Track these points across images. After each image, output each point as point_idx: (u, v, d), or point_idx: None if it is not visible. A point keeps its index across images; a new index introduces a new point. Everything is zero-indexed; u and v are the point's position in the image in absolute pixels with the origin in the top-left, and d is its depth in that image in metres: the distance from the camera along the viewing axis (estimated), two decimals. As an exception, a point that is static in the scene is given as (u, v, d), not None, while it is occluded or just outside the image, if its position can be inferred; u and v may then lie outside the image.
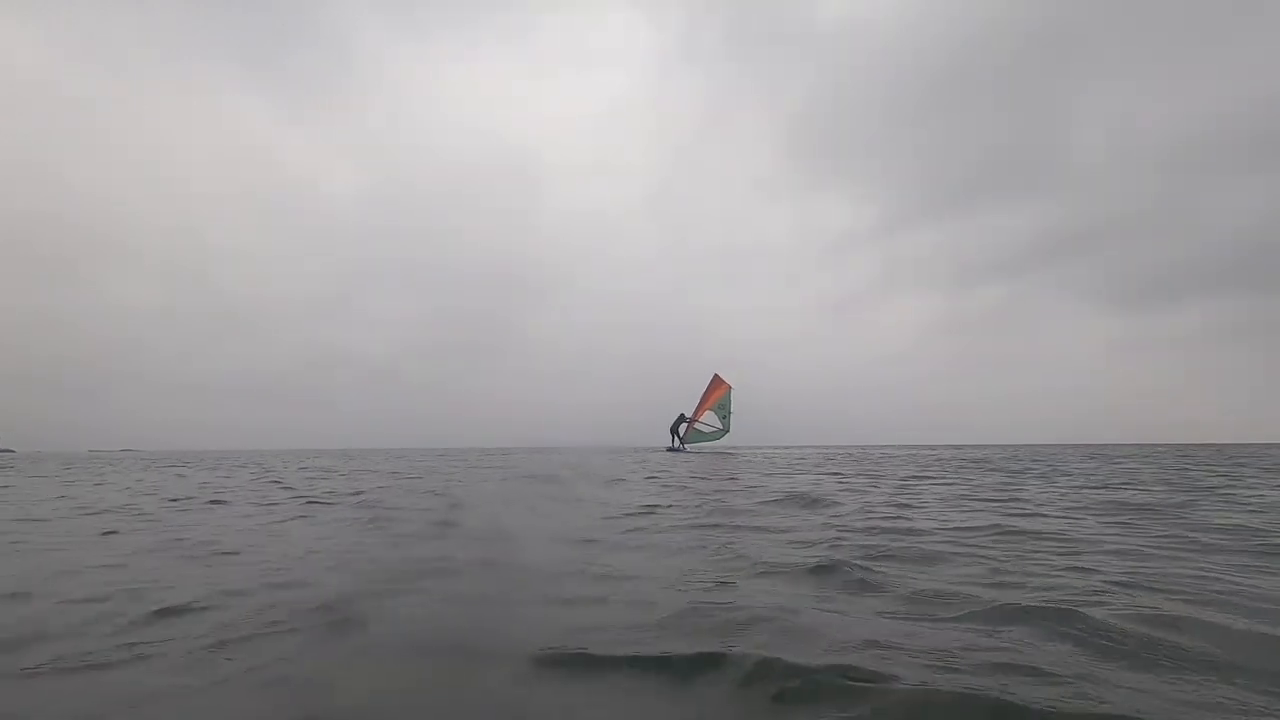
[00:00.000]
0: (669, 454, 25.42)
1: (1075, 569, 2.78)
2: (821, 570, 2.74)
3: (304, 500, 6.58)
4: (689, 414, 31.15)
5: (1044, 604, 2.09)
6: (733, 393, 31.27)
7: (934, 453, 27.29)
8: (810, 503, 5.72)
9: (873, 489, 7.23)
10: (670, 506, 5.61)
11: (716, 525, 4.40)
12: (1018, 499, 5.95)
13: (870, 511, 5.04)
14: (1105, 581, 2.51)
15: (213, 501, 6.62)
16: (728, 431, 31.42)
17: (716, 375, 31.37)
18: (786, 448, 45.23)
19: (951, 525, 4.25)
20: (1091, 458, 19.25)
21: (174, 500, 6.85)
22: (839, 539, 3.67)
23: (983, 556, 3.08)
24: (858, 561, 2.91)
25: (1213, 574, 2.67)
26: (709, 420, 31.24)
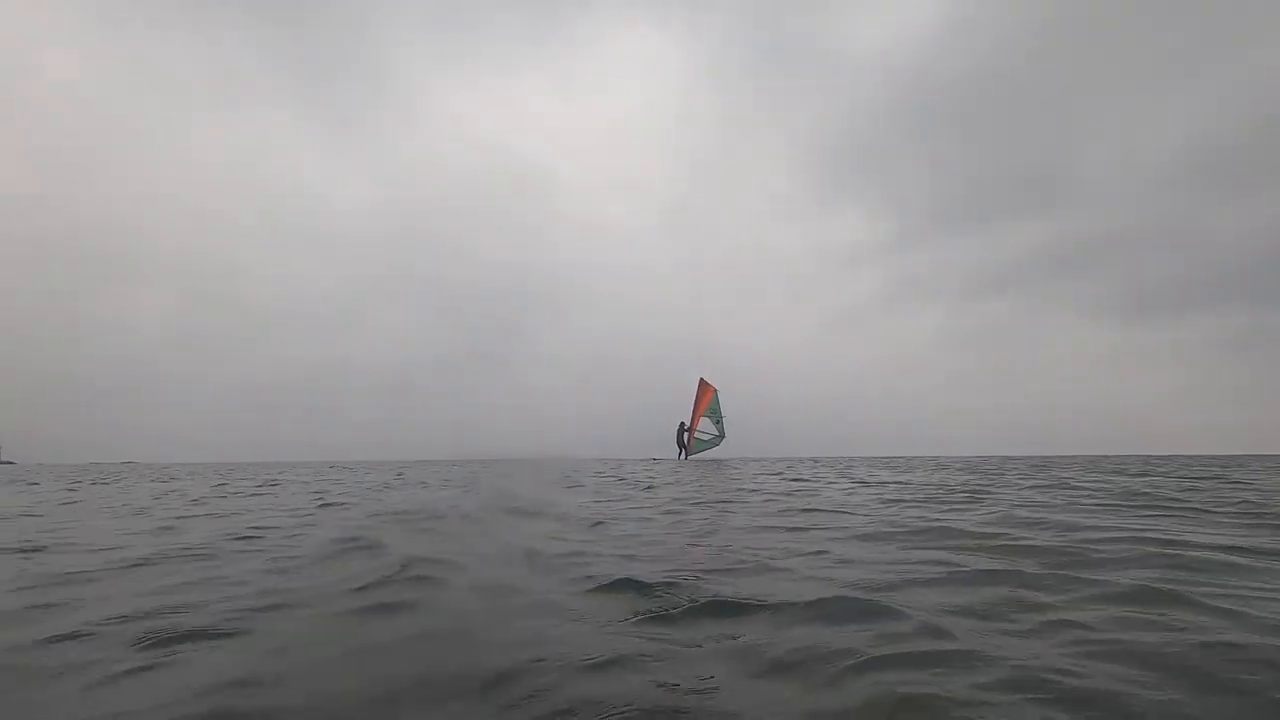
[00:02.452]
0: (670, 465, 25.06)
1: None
2: None
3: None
4: (687, 422, 30.90)
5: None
6: (720, 396, 31.02)
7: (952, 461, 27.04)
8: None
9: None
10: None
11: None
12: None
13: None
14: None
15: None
16: (724, 437, 31.13)
17: (702, 379, 31.08)
18: (789, 459, 44.87)
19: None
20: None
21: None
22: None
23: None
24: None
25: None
26: (705, 428, 30.96)
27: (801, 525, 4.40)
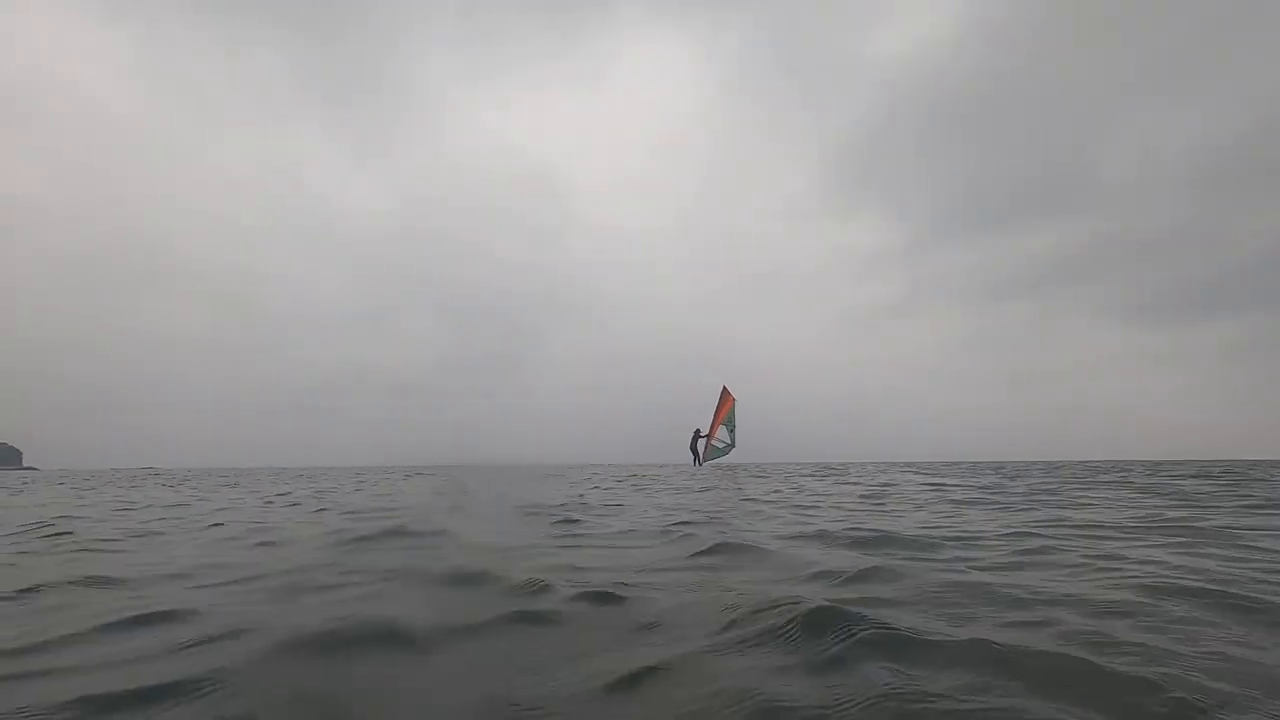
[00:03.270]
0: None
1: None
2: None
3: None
4: (704, 429, 31.02)
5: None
6: (737, 406, 31.22)
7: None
8: None
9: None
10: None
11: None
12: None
13: None
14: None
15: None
16: (734, 446, 31.32)
17: (725, 388, 31.22)
18: (806, 464, 44.83)
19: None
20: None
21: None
22: None
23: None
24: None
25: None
26: (720, 435, 31.11)
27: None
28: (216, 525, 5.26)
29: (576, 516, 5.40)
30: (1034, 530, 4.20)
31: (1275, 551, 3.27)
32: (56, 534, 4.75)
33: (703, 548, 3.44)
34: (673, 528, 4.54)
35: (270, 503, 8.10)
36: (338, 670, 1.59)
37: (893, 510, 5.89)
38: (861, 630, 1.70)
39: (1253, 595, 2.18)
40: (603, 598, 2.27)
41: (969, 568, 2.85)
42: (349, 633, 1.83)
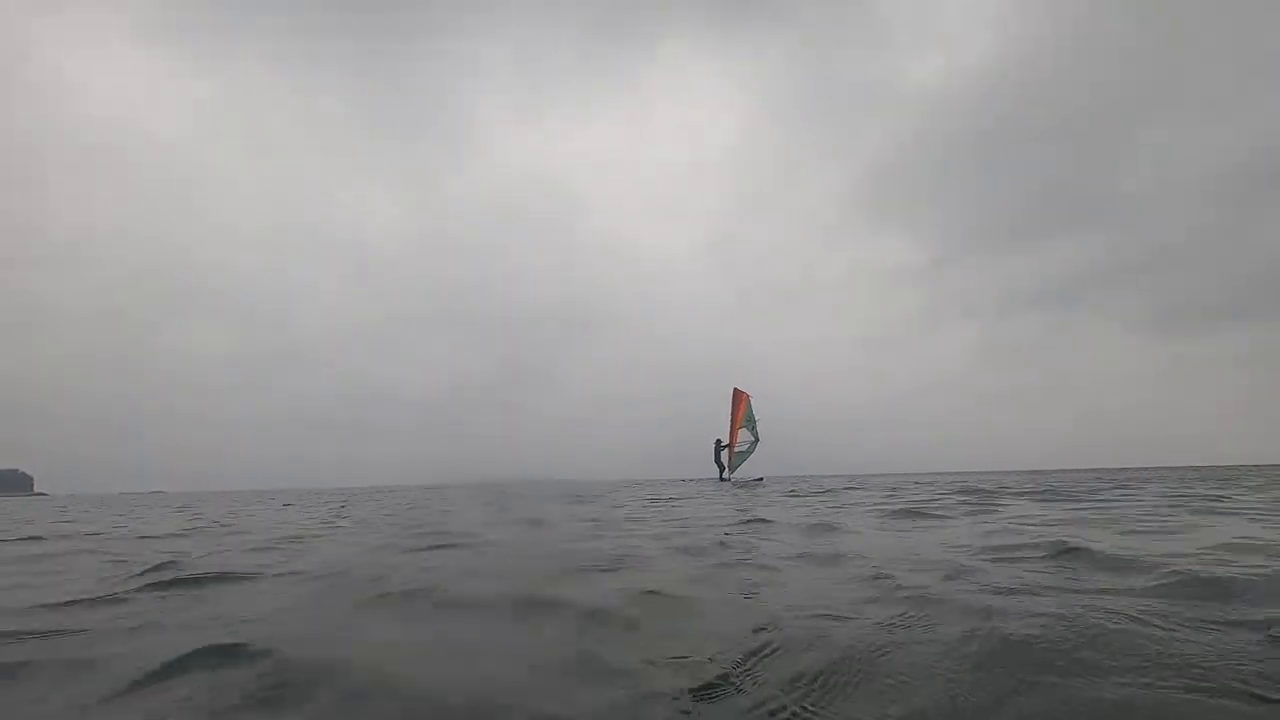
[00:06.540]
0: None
1: None
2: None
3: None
4: (724, 438, 29.97)
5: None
6: (754, 401, 30.26)
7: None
8: None
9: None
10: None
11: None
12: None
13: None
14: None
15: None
16: (759, 441, 30.35)
17: (736, 388, 30.23)
18: (833, 476, 43.85)
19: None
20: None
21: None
22: None
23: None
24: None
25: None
26: (743, 438, 30.09)
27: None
28: None
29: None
30: None
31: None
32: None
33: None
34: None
35: None
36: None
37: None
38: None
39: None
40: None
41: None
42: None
